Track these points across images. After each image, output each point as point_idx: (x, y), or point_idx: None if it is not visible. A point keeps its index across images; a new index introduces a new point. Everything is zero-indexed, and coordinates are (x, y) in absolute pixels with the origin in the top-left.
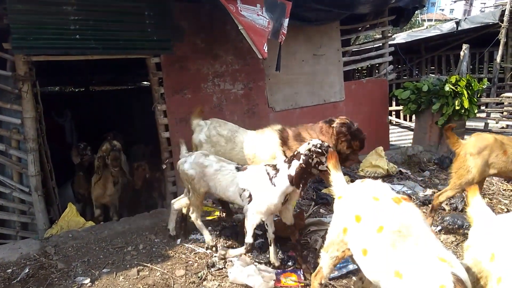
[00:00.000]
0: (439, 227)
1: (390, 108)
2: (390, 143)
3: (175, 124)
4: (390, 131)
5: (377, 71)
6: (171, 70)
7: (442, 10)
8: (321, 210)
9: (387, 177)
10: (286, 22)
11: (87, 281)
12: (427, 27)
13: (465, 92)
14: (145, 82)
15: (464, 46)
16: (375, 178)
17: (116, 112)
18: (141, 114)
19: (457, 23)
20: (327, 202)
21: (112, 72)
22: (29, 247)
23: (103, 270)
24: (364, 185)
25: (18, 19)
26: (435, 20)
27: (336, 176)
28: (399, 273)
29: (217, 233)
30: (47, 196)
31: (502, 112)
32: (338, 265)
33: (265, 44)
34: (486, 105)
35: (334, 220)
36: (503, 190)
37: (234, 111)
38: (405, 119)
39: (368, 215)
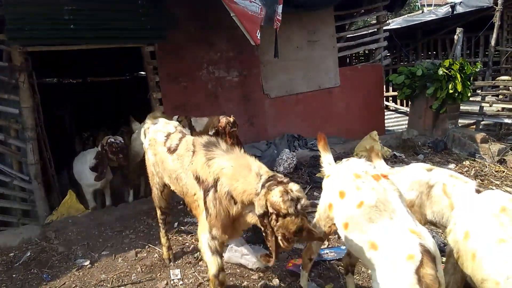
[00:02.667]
0: None
1: (387, 94)
2: (388, 128)
3: (171, 111)
4: (388, 116)
5: (373, 57)
6: (165, 58)
7: None
8: (314, 193)
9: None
10: (280, 8)
11: (87, 262)
12: (422, 12)
13: (458, 76)
14: (142, 72)
15: (458, 30)
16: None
17: (114, 102)
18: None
19: (453, 7)
20: (320, 186)
21: (110, 62)
22: (31, 232)
23: (102, 253)
24: (349, 164)
25: (13, 10)
26: (435, 4)
27: (325, 157)
28: (375, 245)
29: None
30: (47, 184)
31: (497, 96)
32: (337, 248)
33: (258, 31)
34: (482, 88)
35: (322, 197)
36: (495, 171)
37: (229, 98)
38: (402, 105)
39: (350, 191)
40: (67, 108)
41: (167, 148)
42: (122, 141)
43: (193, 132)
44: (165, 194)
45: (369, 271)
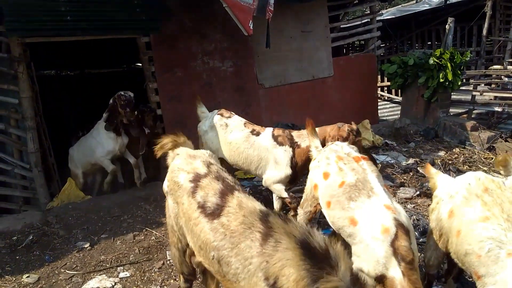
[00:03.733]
0: (418, 192)
1: (381, 84)
2: (382, 118)
3: (166, 101)
4: (382, 106)
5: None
6: (160, 49)
7: None
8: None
9: (373, 149)
10: None
11: (87, 245)
12: (416, 1)
13: (449, 65)
14: (138, 64)
15: (450, 20)
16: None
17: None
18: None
19: None
20: None
21: (106, 54)
22: (32, 218)
23: (101, 236)
24: (333, 147)
25: (11, 1)
26: None
27: (313, 142)
28: (355, 220)
29: None
30: (47, 172)
31: (490, 84)
32: (326, 230)
33: (251, 21)
34: (474, 77)
35: (308, 179)
36: (484, 158)
37: (224, 88)
38: (396, 94)
39: (333, 172)
40: (65, 100)
41: (199, 205)
42: (131, 96)
43: (295, 148)
44: (190, 256)
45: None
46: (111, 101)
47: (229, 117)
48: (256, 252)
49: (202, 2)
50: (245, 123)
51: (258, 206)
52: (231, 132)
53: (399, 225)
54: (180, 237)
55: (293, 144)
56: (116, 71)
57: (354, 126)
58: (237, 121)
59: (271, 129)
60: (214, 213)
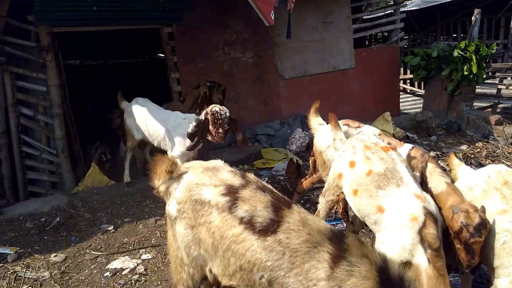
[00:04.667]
0: None
1: (404, 76)
2: (404, 111)
3: (188, 91)
4: (404, 99)
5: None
6: (183, 39)
7: None
8: None
9: None
10: None
11: (111, 228)
12: None
13: (473, 57)
14: (161, 54)
15: (476, 11)
16: None
17: (134, 83)
18: (156, 84)
19: None
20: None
21: (129, 44)
22: (59, 201)
23: (124, 220)
24: (359, 137)
25: None
26: None
27: (337, 135)
28: (382, 208)
29: None
30: (72, 157)
31: None
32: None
33: (272, 12)
34: (500, 70)
35: (332, 169)
36: (508, 153)
37: (244, 79)
38: (419, 87)
39: (360, 161)
40: (89, 89)
41: (242, 220)
42: (228, 115)
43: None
44: None
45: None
46: (202, 116)
47: (358, 127)
48: (324, 274)
49: None
50: (379, 135)
51: (327, 224)
52: None
53: (428, 213)
54: (193, 270)
55: (424, 176)
56: (139, 61)
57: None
58: (368, 132)
59: (408, 147)
60: (267, 230)
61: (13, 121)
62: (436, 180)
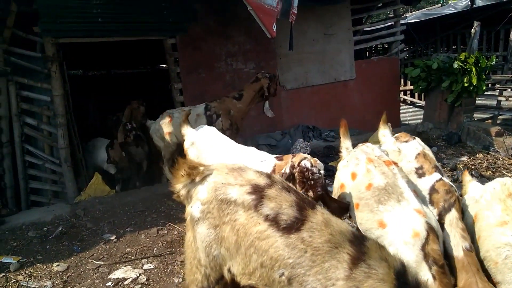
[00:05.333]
0: None
1: (404, 88)
2: (405, 122)
3: (190, 101)
4: (405, 110)
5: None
6: (186, 50)
7: None
8: (327, 181)
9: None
10: (296, 2)
11: (113, 237)
12: (442, 5)
13: (473, 69)
14: (163, 65)
15: (475, 24)
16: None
17: (134, 93)
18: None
19: (472, 0)
20: (332, 174)
21: (131, 55)
22: (61, 210)
23: (127, 229)
24: (363, 148)
25: (46, 3)
26: None
27: (344, 143)
28: (383, 223)
29: None
30: (75, 167)
31: None
32: None
33: (274, 24)
34: (500, 82)
35: (335, 178)
36: (508, 164)
37: None
38: (419, 98)
39: (361, 173)
40: (91, 98)
41: (267, 218)
42: (321, 170)
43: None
44: None
45: None
46: (286, 169)
47: (406, 141)
48: (343, 274)
49: (227, 4)
50: (417, 155)
51: (349, 226)
52: (400, 162)
53: (430, 228)
54: (209, 271)
55: (441, 218)
56: (141, 71)
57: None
58: (411, 149)
59: (436, 177)
60: (291, 227)
61: (17, 130)
62: (455, 240)
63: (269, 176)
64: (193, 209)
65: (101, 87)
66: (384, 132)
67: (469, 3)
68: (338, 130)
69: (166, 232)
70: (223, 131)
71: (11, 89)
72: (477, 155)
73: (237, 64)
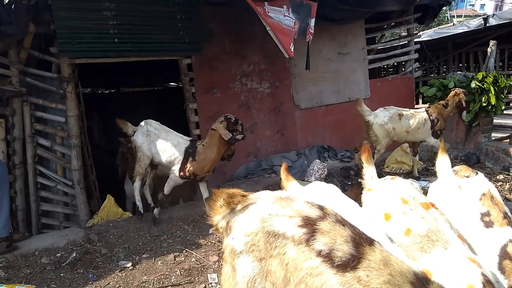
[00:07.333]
0: None
1: (417, 106)
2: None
3: (205, 121)
4: None
5: (403, 69)
6: (201, 70)
7: (472, 5)
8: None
9: (412, 174)
10: (312, 22)
11: (129, 264)
12: (454, 24)
13: (492, 89)
14: (172, 83)
15: (492, 43)
16: (400, 174)
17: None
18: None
19: (485, 19)
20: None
21: (142, 74)
22: (75, 235)
23: (143, 256)
24: (395, 184)
25: (63, 25)
26: (465, 16)
27: (368, 170)
28: (429, 273)
29: None
30: (88, 189)
31: None
32: None
33: (292, 44)
34: None
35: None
36: None
37: (260, 109)
38: None
39: (396, 215)
40: (95, 118)
41: (320, 253)
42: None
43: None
44: None
45: None
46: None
47: (467, 176)
48: None
49: (243, 24)
50: (482, 195)
51: (410, 267)
52: (460, 203)
53: (487, 281)
54: None
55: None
56: (151, 89)
57: None
58: (474, 188)
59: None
60: (346, 265)
61: (30, 151)
62: None
63: (321, 207)
64: (233, 242)
65: (107, 106)
66: (444, 161)
67: (482, 22)
68: (352, 150)
69: (183, 258)
70: None
71: (26, 110)
72: (498, 177)
73: (252, 84)
